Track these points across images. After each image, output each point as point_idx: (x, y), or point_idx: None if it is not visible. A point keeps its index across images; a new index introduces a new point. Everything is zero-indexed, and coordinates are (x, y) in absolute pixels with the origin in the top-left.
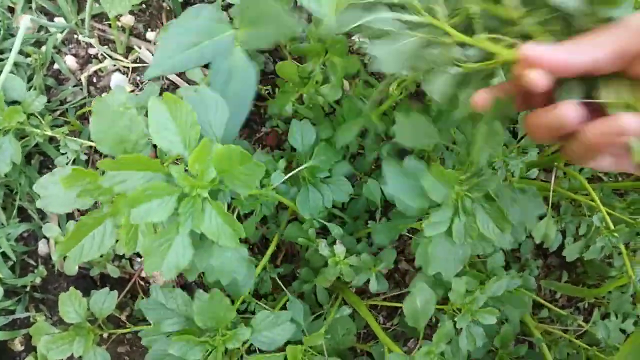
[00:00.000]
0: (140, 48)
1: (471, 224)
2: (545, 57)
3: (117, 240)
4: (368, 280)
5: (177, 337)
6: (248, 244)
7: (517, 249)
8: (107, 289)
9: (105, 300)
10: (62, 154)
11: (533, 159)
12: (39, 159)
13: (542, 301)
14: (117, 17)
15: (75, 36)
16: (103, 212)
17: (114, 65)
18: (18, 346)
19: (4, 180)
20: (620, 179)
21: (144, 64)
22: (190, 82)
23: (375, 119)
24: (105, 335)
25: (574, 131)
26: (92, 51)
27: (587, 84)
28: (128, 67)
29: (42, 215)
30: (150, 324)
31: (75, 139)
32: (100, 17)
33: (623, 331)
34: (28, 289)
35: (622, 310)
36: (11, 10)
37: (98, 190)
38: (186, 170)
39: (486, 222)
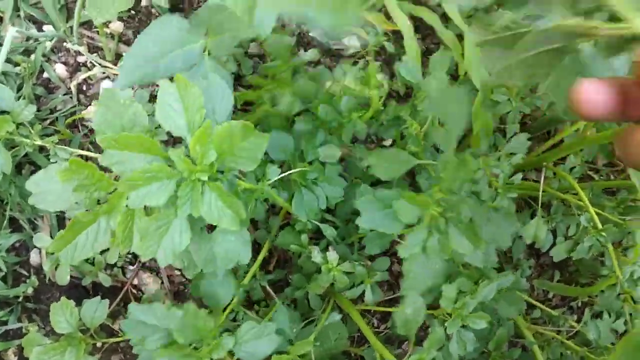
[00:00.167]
0: None
1: (444, 241)
2: None
3: (107, 249)
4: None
5: (161, 352)
6: None
7: (510, 249)
8: (98, 298)
9: (96, 310)
10: (53, 162)
11: (519, 162)
12: (29, 169)
13: (533, 302)
14: (106, 24)
15: (65, 44)
16: (98, 210)
17: (104, 73)
18: (11, 357)
19: None
20: (612, 177)
21: None
22: None
23: (361, 124)
24: (99, 344)
25: None
26: (81, 59)
27: None
28: (117, 74)
29: (34, 225)
30: None
31: (65, 147)
32: (89, 24)
33: (615, 331)
34: (20, 299)
35: (612, 309)
36: None
37: (95, 184)
38: (187, 156)
39: (460, 241)
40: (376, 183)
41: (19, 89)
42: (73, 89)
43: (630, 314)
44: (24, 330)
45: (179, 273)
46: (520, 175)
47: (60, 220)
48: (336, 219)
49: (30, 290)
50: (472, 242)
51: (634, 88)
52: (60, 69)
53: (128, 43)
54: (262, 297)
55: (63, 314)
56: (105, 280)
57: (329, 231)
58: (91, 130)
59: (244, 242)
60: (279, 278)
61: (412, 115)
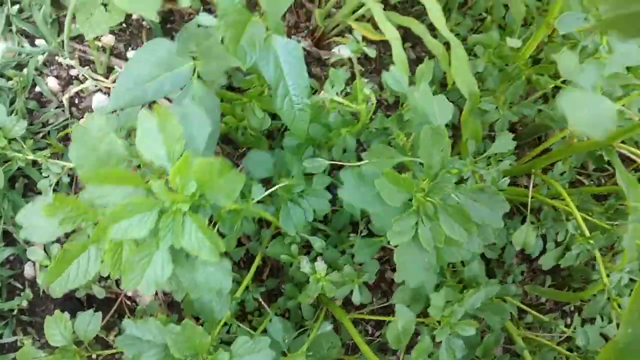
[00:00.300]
0: (121, 68)
1: (437, 228)
2: None
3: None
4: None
5: None
6: (233, 260)
7: (501, 254)
8: (91, 311)
9: (90, 322)
10: (45, 177)
11: (507, 168)
12: (22, 182)
13: (524, 307)
14: (98, 38)
15: (57, 58)
16: (86, 238)
17: (96, 86)
18: None
19: None
20: (603, 181)
21: None
22: (170, 100)
23: (351, 139)
24: (93, 356)
25: None
26: (73, 72)
27: None
28: (109, 88)
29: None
30: None
31: (57, 161)
32: (80, 38)
33: (604, 336)
34: (15, 312)
35: (604, 314)
36: None
37: (80, 216)
38: (168, 187)
39: (451, 225)
40: None
41: (12, 102)
42: (65, 102)
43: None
44: (18, 344)
45: None
46: (507, 180)
47: None
48: (328, 228)
49: (24, 303)
50: (464, 226)
51: None
52: (53, 83)
53: (119, 56)
54: (255, 307)
55: (57, 327)
56: (99, 292)
57: (317, 244)
58: None
59: (224, 272)
60: (272, 287)
61: (399, 124)
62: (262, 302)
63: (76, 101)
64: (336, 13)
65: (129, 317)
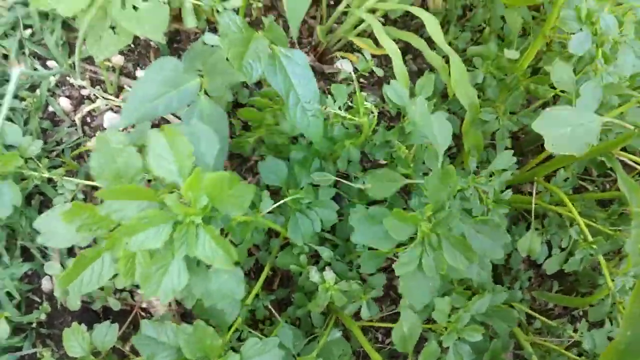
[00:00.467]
0: (130, 87)
1: (440, 257)
2: None
3: (115, 275)
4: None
5: None
6: (244, 270)
7: (508, 260)
8: (108, 322)
9: (107, 334)
10: (60, 194)
11: (509, 178)
12: (39, 199)
13: (533, 313)
14: (107, 58)
15: (68, 78)
16: (101, 246)
17: (107, 105)
18: None
19: (6, 221)
20: (608, 186)
21: None
22: (180, 118)
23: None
24: None
25: None
26: (84, 92)
27: None
28: (120, 106)
29: (44, 253)
30: None
31: (71, 179)
32: (91, 59)
33: (611, 339)
34: (34, 325)
35: (613, 317)
36: (5, 56)
37: (97, 224)
38: (181, 200)
39: (453, 254)
40: (372, 203)
41: (26, 123)
42: (77, 122)
43: None
44: (38, 355)
45: None
46: (510, 192)
47: (70, 248)
48: (336, 238)
49: (43, 316)
50: (466, 255)
51: None
52: (65, 103)
53: (129, 75)
54: (266, 315)
55: (75, 339)
56: (114, 304)
57: (326, 253)
58: None
59: (237, 280)
60: (282, 297)
61: (400, 137)
62: (273, 311)
63: (88, 120)
64: (337, 29)
65: None
